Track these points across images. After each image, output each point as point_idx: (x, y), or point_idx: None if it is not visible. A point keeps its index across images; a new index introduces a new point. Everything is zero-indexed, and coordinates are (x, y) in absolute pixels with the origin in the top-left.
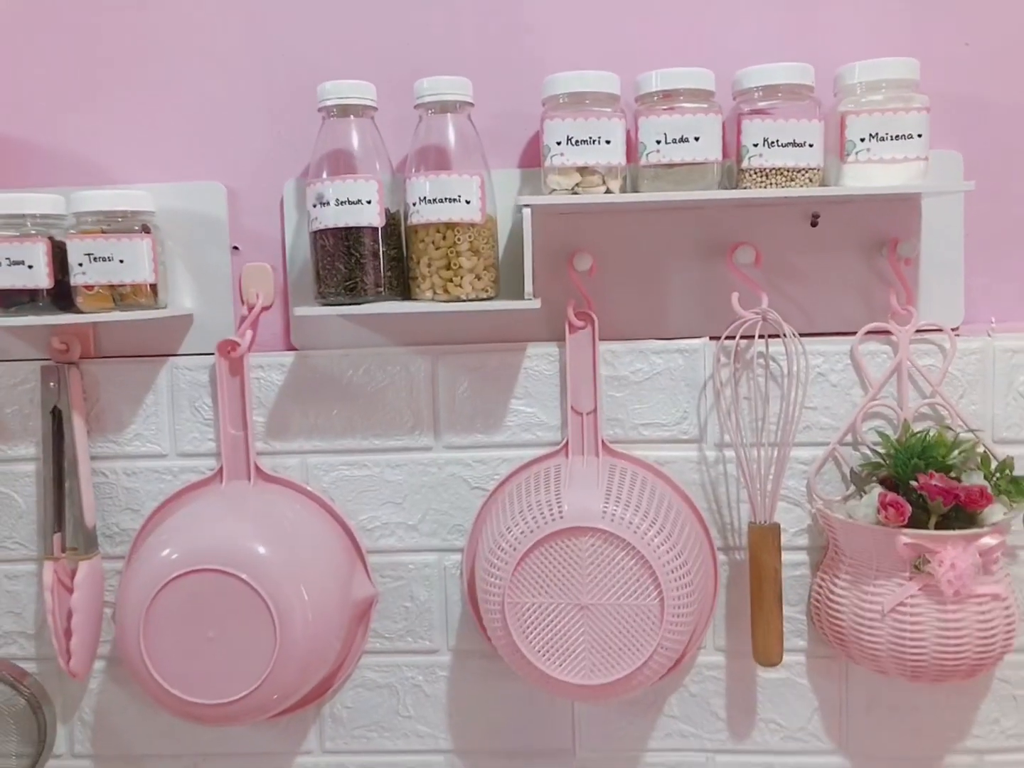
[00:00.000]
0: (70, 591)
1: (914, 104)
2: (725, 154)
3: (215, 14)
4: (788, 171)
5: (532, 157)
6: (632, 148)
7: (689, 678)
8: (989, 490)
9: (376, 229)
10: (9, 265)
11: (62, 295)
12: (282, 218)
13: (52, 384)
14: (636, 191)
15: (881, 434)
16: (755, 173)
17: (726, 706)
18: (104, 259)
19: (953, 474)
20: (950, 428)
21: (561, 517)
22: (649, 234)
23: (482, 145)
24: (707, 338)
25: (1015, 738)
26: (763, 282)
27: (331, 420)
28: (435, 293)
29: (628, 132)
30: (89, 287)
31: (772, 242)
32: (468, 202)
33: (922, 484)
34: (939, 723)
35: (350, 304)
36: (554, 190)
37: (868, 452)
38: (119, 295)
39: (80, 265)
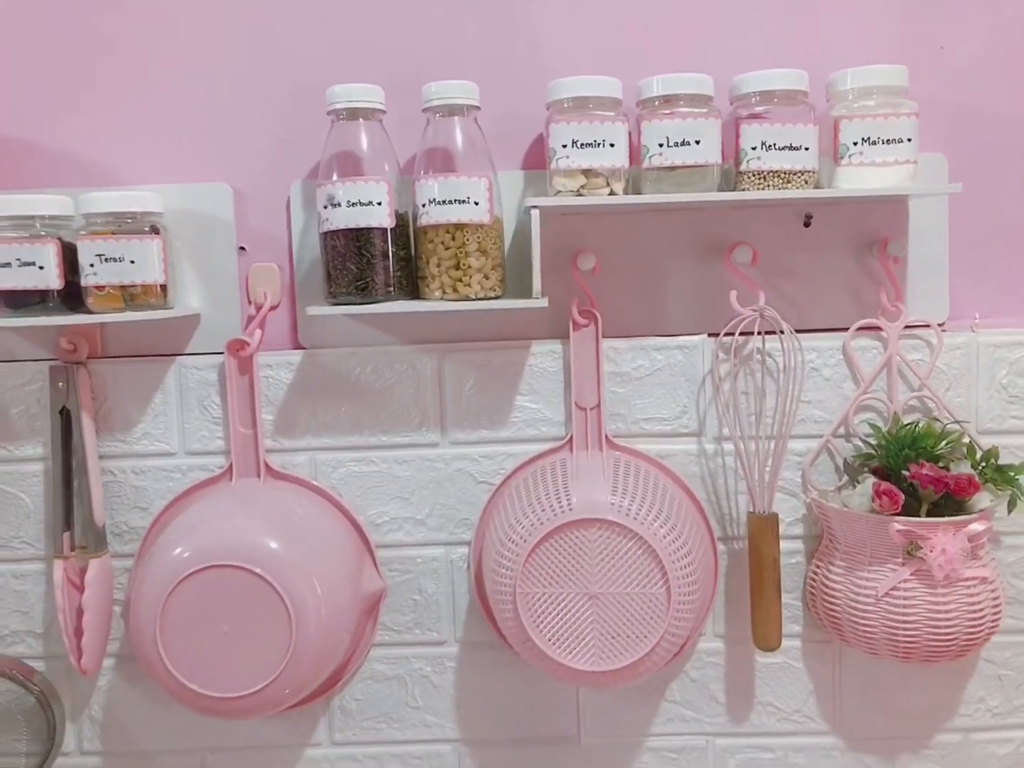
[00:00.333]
0: (79, 589)
1: (904, 110)
2: (723, 157)
3: (222, 16)
4: (785, 173)
5: (535, 159)
6: (634, 151)
7: (690, 664)
8: (976, 478)
9: (386, 230)
10: (20, 266)
11: (71, 296)
12: (289, 219)
13: (60, 384)
14: (638, 193)
15: (873, 426)
16: (753, 175)
17: (725, 691)
18: (115, 260)
19: (941, 464)
20: (937, 420)
21: (570, 509)
22: (649, 234)
23: (488, 147)
24: (705, 335)
25: (1000, 716)
26: (758, 280)
27: (339, 417)
28: (444, 292)
29: (630, 135)
30: (100, 288)
31: (767, 242)
32: (477, 203)
33: (913, 473)
34: (928, 703)
35: (361, 304)
36: (559, 192)
37: (860, 443)
38: (129, 295)
39: (91, 266)
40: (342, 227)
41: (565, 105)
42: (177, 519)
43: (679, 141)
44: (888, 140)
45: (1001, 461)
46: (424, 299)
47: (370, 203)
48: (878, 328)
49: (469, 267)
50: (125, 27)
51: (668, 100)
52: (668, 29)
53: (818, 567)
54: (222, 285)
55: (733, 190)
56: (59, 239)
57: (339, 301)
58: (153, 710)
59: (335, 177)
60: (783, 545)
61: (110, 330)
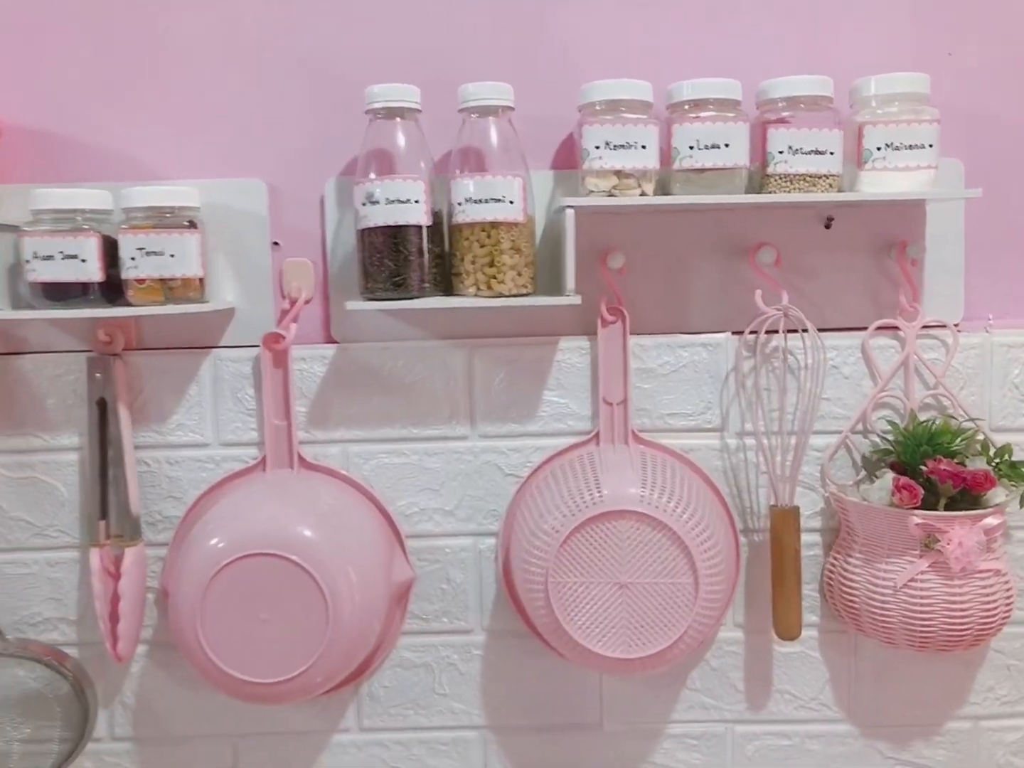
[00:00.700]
0: (113, 577)
1: (925, 116)
2: (750, 159)
3: (260, 15)
4: (810, 177)
5: (564, 159)
6: (663, 153)
7: (710, 653)
8: (992, 474)
9: (422, 227)
10: (63, 259)
11: (110, 288)
12: (322, 215)
13: (98, 375)
14: (667, 193)
15: (891, 423)
16: (780, 178)
17: (744, 679)
18: (155, 253)
19: (957, 460)
20: (953, 417)
21: (601, 501)
22: (676, 234)
23: (522, 147)
24: (729, 333)
25: (1008, 704)
26: (780, 280)
27: (371, 410)
28: (478, 289)
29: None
30: (140, 281)
31: (788, 243)
32: (512, 202)
33: (931, 469)
34: (939, 692)
35: (397, 299)
36: (592, 192)
37: (877, 440)
38: (169, 288)
39: (132, 259)
40: (380, 224)
41: (597, 108)
42: (214, 509)
43: (709, 144)
44: (911, 145)
45: (1015, 457)
46: (458, 295)
47: (408, 201)
48: (896, 328)
49: (503, 264)
50: (164, 24)
51: (697, 104)
52: (696, 34)
53: (836, 559)
54: (256, 279)
55: (759, 192)
56: (99, 233)
57: (376, 297)
58: (184, 696)
59: (372, 175)
60: (801, 537)
61: (145, 322)
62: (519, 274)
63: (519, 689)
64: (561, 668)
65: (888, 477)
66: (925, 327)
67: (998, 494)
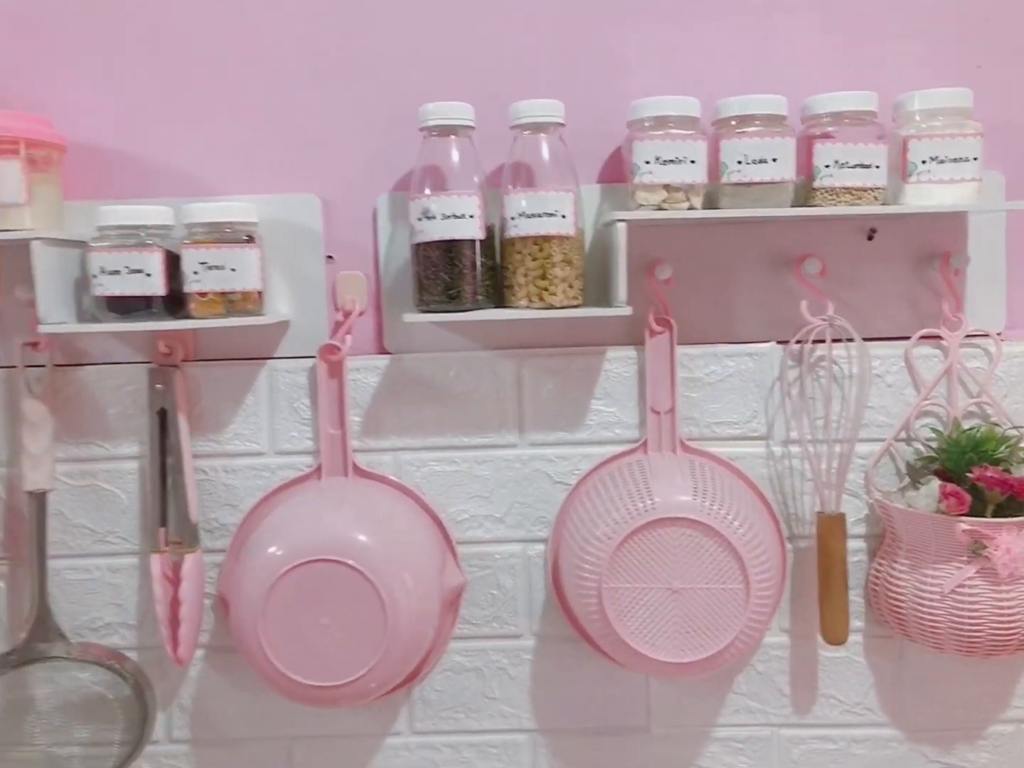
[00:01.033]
0: (172, 583)
1: (969, 130)
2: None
3: (314, 35)
4: (856, 190)
5: (610, 173)
6: (711, 167)
7: (756, 658)
8: None
9: (476, 241)
10: (129, 273)
11: (171, 301)
12: (375, 229)
13: (159, 386)
14: (714, 207)
15: (936, 431)
16: (826, 192)
17: (790, 683)
18: (217, 267)
19: (1002, 467)
20: (997, 425)
21: (653, 508)
22: (722, 246)
23: (572, 162)
24: (774, 342)
25: None
26: (824, 291)
27: (423, 419)
28: (530, 301)
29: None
30: (203, 294)
31: (831, 254)
32: (563, 216)
33: (978, 476)
34: (983, 696)
35: (452, 311)
36: (641, 205)
37: (921, 447)
38: (229, 301)
39: (195, 273)
40: (436, 239)
41: (646, 124)
42: (272, 516)
43: (756, 159)
44: (955, 159)
45: None
46: (510, 307)
47: (463, 216)
48: (939, 337)
49: (555, 277)
50: (223, 46)
51: (744, 119)
52: (739, 50)
53: (881, 565)
54: (310, 292)
55: (804, 205)
56: (162, 248)
57: (430, 309)
58: (240, 699)
59: (428, 191)
60: None
61: (202, 334)
62: (570, 286)
63: (568, 693)
64: (609, 672)
65: (934, 484)
66: (968, 336)
67: None
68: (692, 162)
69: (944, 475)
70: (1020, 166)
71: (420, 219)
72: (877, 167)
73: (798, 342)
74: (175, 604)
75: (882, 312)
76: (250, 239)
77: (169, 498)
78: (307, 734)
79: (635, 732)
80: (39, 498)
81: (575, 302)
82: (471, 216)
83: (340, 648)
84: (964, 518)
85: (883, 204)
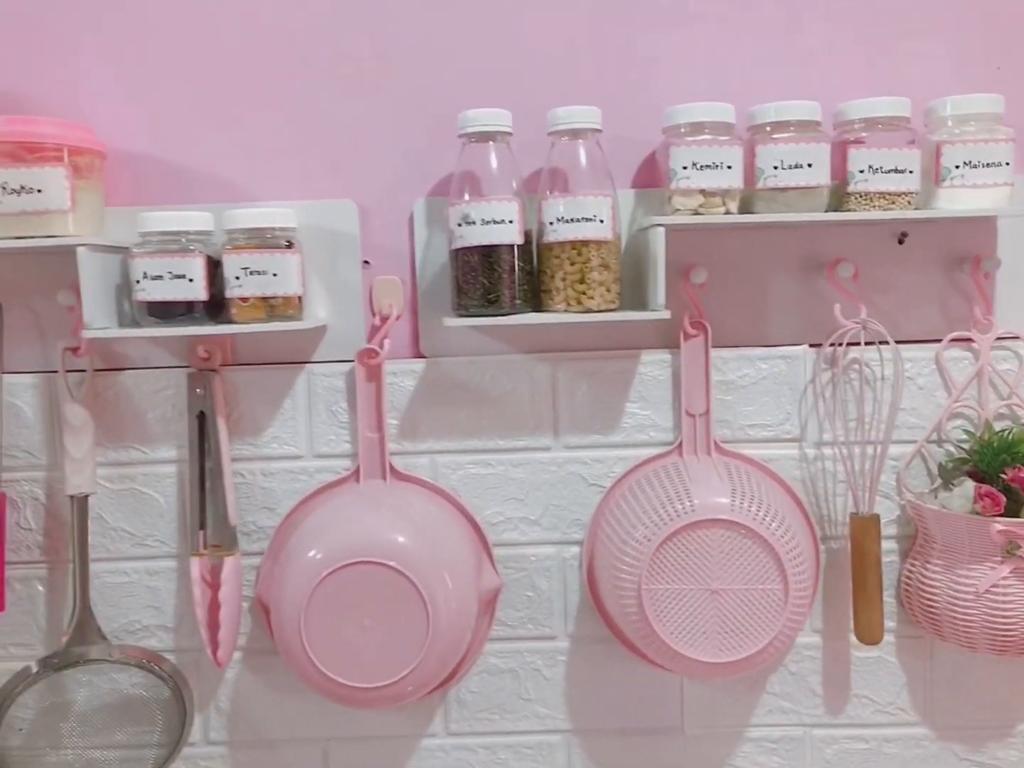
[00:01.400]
0: (210, 586)
1: (1001, 135)
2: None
3: (351, 43)
4: (890, 195)
5: (644, 178)
6: (746, 172)
7: (789, 658)
8: None
9: (515, 246)
10: (172, 278)
11: (211, 306)
12: (411, 234)
13: (198, 390)
14: (748, 211)
15: (968, 432)
16: (860, 196)
17: (822, 683)
18: (259, 273)
19: None
20: None
21: (692, 510)
22: (755, 249)
23: (609, 168)
24: (807, 345)
25: None
26: (855, 294)
27: (459, 422)
28: (568, 305)
29: None
30: (245, 299)
31: (862, 257)
32: (601, 221)
33: (1012, 477)
34: (1013, 695)
35: (491, 315)
36: (678, 210)
37: (952, 449)
38: (270, 306)
39: (237, 278)
40: (475, 244)
41: (682, 129)
42: (313, 519)
43: (792, 164)
44: (988, 164)
45: None
46: (547, 311)
47: (502, 221)
48: (970, 340)
49: (593, 281)
50: (258, 52)
51: (779, 125)
52: (772, 56)
53: (913, 565)
54: (347, 297)
55: (837, 209)
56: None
57: (469, 313)
58: (277, 701)
59: (467, 197)
60: None
61: (240, 339)
62: (608, 290)
63: (602, 694)
64: (643, 673)
65: (968, 485)
66: (999, 339)
67: None
68: (728, 167)
69: (977, 476)
70: None
71: (460, 224)
72: (911, 172)
73: (832, 345)
74: (214, 607)
75: (913, 315)
76: (290, 244)
77: (208, 502)
78: (343, 735)
79: (669, 732)
80: (81, 502)
81: (612, 306)
82: (510, 221)
83: (383, 649)
84: (999, 519)
85: (916, 208)
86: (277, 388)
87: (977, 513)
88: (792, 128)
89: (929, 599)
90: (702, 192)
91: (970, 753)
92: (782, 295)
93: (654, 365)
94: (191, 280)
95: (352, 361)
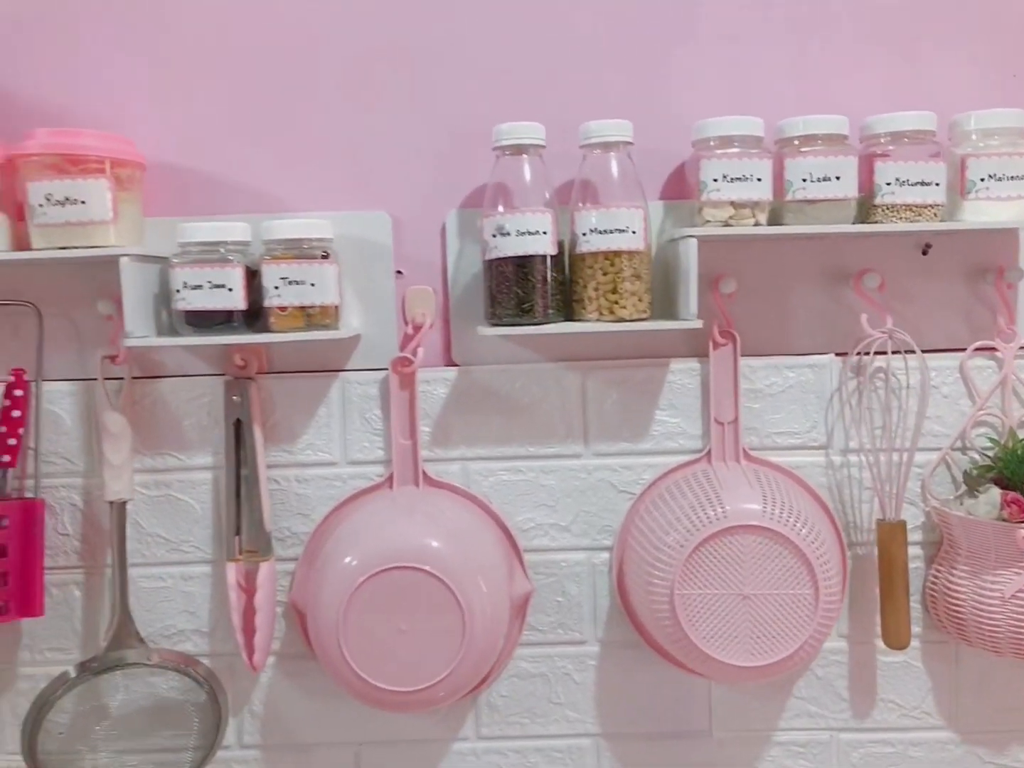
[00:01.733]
0: (244, 590)
1: None
2: None
3: (385, 58)
4: (916, 207)
5: (672, 190)
6: (775, 184)
7: (816, 663)
8: None
9: (548, 257)
10: (211, 288)
11: (248, 315)
12: (443, 245)
13: (235, 398)
14: (777, 222)
15: (992, 440)
16: (887, 208)
17: (849, 688)
18: (297, 283)
19: None
20: None
21: (724, 517)
22: (782, 260)
23: (640, 180)
24: (833, 354)
25: None
26: (880, 304)
27: (490, 429)
28: (600, 314)
29: None
30: (283, 308)
31: (887, 268)
32: (634, 232)
33: None
34: None
35: (525, 324)
36: (708, 221)
37: (976, 456)
38: (308, 316)
39: (275, 288)
40: (510, 255)
41: (712, 143)
42: (348, 524)
43: (821, 177)
44: (1012, 176)
45: None
46: (579, 320)
47: (536, 232)
48: (993, 349)
49: (625, 291)
50: (293, 66)
51: (807, 139)
52: (798, 71)
53: (939, 571)
54: (380, 306)
55: (863, 220)
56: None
57: (503, 322)
58: (310, 705)
59: (501, 208)
60: None
61: (275, 347)
62: (640, 299)
63: (631, 698)
64: (672, 677)
65: (994, 492)
66: (1022, 348)
67: None
68: (758, 180)
69: (1001, 483)
70: None
71: (494, 235)
72: (937, 184)
73: (860, 354)
74: (249, 612)
75: (937, 324)
76: (326, 255)
77: (243, 508)
78: (375, 739)
79: (697, 736)
80: (120, 508)
81: (644, 315)
82: (544, 232)
83: (420, 653)
84: None
85: (941, 220)
86: (312, 396)
87: (1003, 519)
88: (820, 141)
89: (955, 604)
90: (732, 204)
91: (994, 756)
92: (808, 305)
93: (683, 374)
94: (230, 289)
95: (385, 369)
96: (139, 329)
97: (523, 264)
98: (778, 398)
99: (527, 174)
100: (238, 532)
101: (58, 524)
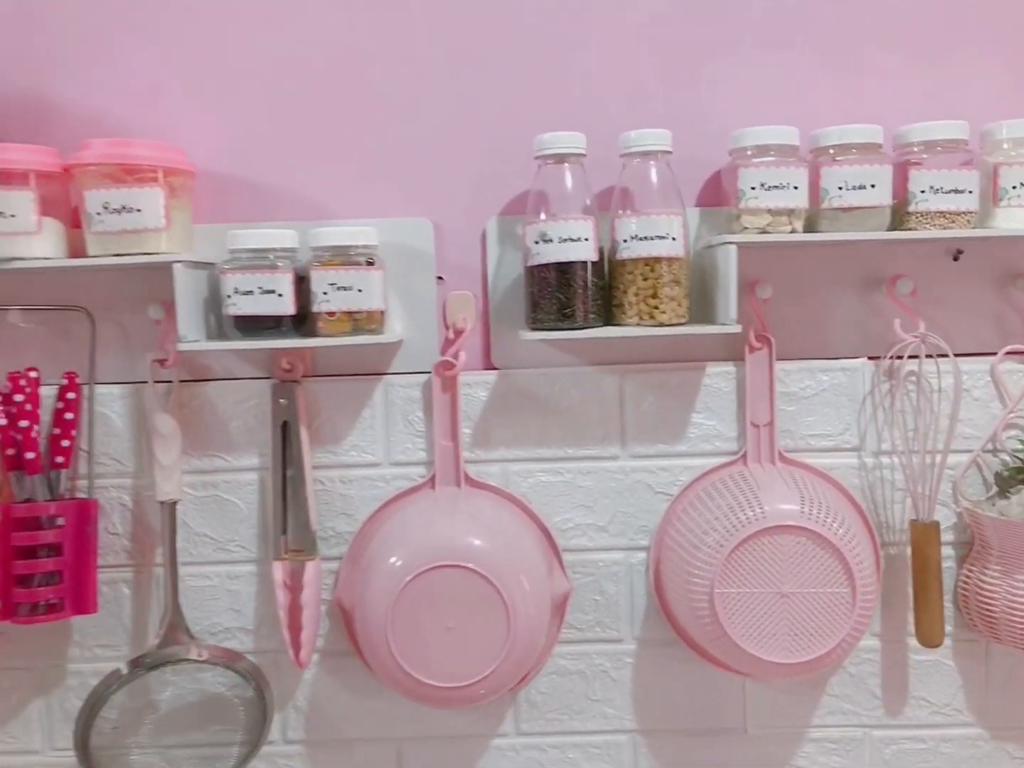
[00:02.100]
0: (290, 589)
1: None
2: None
3: (427, 69)
4: (950, 214)
5: (707, 197)
6: (811, 192)
7: (849, 660)
8: None
9: (589, 263)
10: (261, 294)
11: (296, 320)
12: (483, 251)
13: (282, 401)
14: (812, 229)
15: (1023, 442)
16: (920, 215)
17: (881, 686)
18: (345, 288)
19: None
20: None
21: (763, 516)
22: (816, 266)
23: (679, 187)
24: (865, 358)
25: None
26: (913, 308)
27: (529, 432)
28: (640, 319)
29: None
30: (331, 313)
31: (918, 274)
32: (673, 239)
33: None
34: None
35: (566, 329)
36: (746, 228)
37: (1007, 458)
38: (355, 320)
39: (324, 294)
40: (552, 261)
41: (748, 152)
42: (391, 525)
43: (856, 185)
44: None
45: None
46: (619, 324)
47: (578, 239)
48: (1023, 353)
49: (664, 296)
50: (338, 77)
51: (842, 148)
52: (831, 80)
53: (970, 571)
54: (422, 311)
55: (897, 227)
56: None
57: (544, 327)
58: (353, 701)
59: (543, 215)
60: None
61: (320, 351)
62: (679, 304)
63: (667, 695)
64: (707, 675)
65: None
66: None
67: None
68: (795, 188)
69: None
70: None
71: (537, 242)
72: (970, 192)
73: (894, 357)
74: (295, 610)
75: (968, 329)
76: (371, 262)
77: (289, 508)
78: (417, 735)
79: (732, 733)
80: (170, 508)
81: (682, 320)
82: (586, 239)
83: (466, 649)
84: None
85: (974, 227)
86: (356, 398)
87: None
88: (855, 150)
89: (987, 604)
90: (769, 211)
91: (1023, 751)
92: (842, 309)
93: (719, 377)
94: (280, 295)
95: (426, 372)
96: (191, 333)
97: (565, 270)
98: (812, 401)
99: (568, 182)
100: (284, 531)
101: (108, 523)
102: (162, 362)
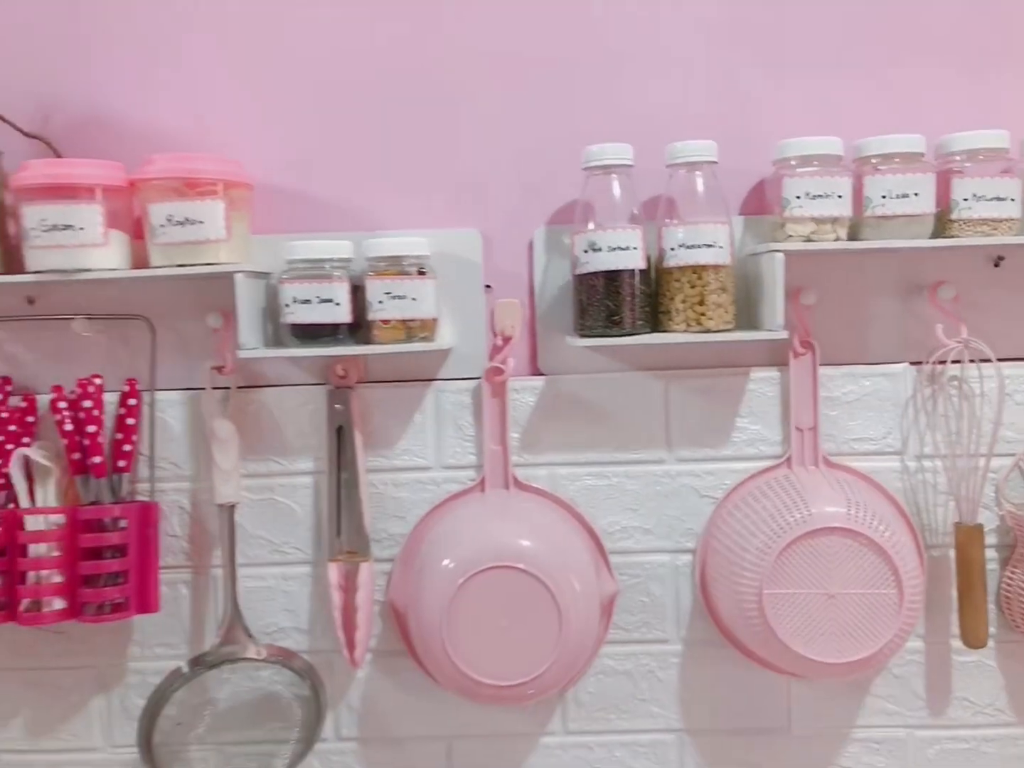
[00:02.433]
0: (344, 590)
1: None
2: None
3: (475, 84)
4: (992, 221)
5: (750, 206)
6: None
7: (893, 662)
8: None
9: (637, 271)
10: (319, 302)
11: (352, 328)
12: (530, 260)
13: (337, 406)
14: (855, 237)
15: None
16: (963, 223)
17: (925, 686)
18: (399, 297)
19: None
20: None
21: (810, 518)
22: (859, 272)
23: (725, 196)
24: (907, 363)
25: None
26: (954, 314)
27: (576, 436)
28: (688, 326)
29: None
30: (386, 321)
31: (960, 280)
32: (720, 247)
33: None
34: None
35: (615, 336)
36: (791, 236)
37: None
38: (409, 328)
39: (379, 302)
40: (601, 269)
41: (792, 162)
42: (442, 527)
43: (899, 194)
44: None
45: None
46: (666, 331)
47: (626, 248)
48: None
49: (711, 303)
50: (390, 91)
51: (885, 157)
52: (872, 90)
53: (1013, 573)
54: (470, 319)
55: (940, 235)
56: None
57: (592, 334)
58: (405, 700)
59: (591, 225)
60: None
61: (372, 358)
62: (725, 311)
63: (713, 695)
64: (752, 675)
65: None
66: None
67: None
68: (839, 197)
69: None
70: None
71: (586, 251)
72: (1012, 200)
73: (937, 363)
74: (349, 610)
75: (1009, 334)
76: (423, 271)
77: (343, 510)
78: (467, 733)
79: (776, 732)
80: (229, 511)
81: (729, 326)
82: (634, 248)
83: (518, 649)
84: None
85: (1016, 234)
86: (408, 404)
87: None
88: (897, 160)
89: None
90: (814, 219)
91: None
92: (884, 315)
93: (763, 382)
94: (337, 304)
95: (475, 378)
96: (251, 341)
97: (613, 278)
98: (855, 405)
99: (616, 192)
100: (339, 533)
101: (168, 526)
102: (220, 369)
